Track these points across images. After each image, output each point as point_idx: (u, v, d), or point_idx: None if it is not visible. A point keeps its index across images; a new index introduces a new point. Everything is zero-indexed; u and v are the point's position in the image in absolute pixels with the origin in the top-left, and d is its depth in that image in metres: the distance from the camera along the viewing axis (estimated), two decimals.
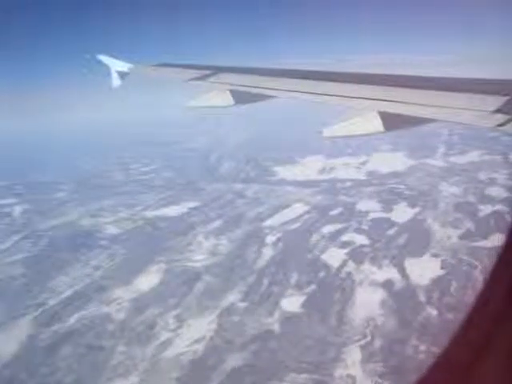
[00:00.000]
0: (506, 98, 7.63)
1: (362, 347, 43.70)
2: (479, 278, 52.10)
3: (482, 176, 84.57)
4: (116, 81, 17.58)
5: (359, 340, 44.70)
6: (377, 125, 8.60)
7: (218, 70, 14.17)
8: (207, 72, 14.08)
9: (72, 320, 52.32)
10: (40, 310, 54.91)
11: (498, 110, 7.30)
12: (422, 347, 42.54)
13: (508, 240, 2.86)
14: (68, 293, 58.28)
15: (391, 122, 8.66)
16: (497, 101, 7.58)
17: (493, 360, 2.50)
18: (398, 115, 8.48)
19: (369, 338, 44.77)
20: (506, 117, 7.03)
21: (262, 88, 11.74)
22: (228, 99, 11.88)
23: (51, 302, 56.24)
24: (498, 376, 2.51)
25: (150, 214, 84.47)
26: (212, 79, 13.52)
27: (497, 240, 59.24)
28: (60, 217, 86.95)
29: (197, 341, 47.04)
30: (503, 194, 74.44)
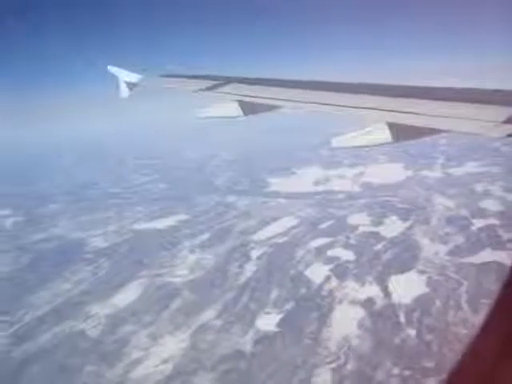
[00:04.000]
0: None
1: (334, 370, 42.16)
2: (463, 296, 50.54)
3: (479, 188, 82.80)
4: (124, 91, 17.27)
5: (331, 362, 43.17)
6: (385, 136, 8.53)
7: (227, 80, 13.97)
8: (215, 82, 13.91)
9: (45, 337, 51.38)
10: (16, 326, 53.90)
11: (508, 120, 7.23)
12: (395, 371, 40.97)
13: None
14: (46, 309, 57.31)
15: (400, 132, 8.56)
16: (506, 111, 7.49)
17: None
18: (407, 126, 8.39)
19: (342, 361, 43.20)
20: None
21: (271, 99, 11.59)
22: (237, 110, 11.75)
23: (27, 319, 55.26)
24: None
25: (138, 226, 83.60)
26: (221, 89, 13.32)
27: (486, 255, 57.72)
28: (49, 229, 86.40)
29: (166, 360, 45.81)
30: (497, 207, 72.72)
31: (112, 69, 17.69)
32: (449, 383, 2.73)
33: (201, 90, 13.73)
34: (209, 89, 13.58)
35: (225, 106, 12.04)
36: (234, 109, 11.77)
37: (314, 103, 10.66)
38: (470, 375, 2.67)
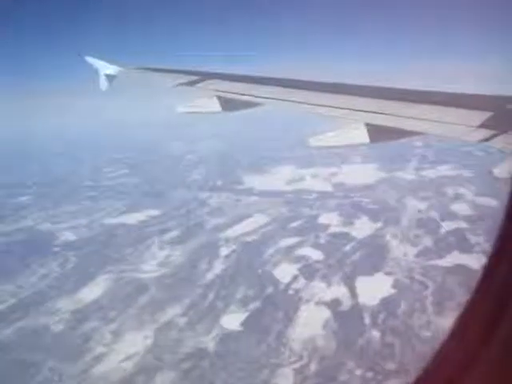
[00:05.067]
0: (490, 114, 7.78)
1: (297, 370, 41.98)
2: (429, 298, 50.76)
3: (450, 191, 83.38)
4: (103, 83, 17.21)
5: (295, 362, 43.00)
6: (363, 136, 8.63)
7: (207, 75, 14.07)
8: (195, 77, 13.92)
9: (6, 332, 50.47)
10: None
11: (483, 125, 7.45)
12: (358, 372, 40.96)
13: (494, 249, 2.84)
14: (10, 303, 56.40)
15: (377, 133, 8.68)
16: (481, 116, 7.74)
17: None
18: (384, 127, 8.53)
19: (305, 361, 43.07)
20: (490, 132, 7.21)
21: (250, 95, 11.68)
22: (216, 106, 11.80)
23: None
24: None
25: (109, 221, 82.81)
26: (200, 85, 13.40)
27: (453, 258, 58.07)
28: (19, 221, 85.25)
29: (129, 357, 45.33)
30: (467, 210, 73.25)
31: (91, 60, 17.60)
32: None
33: (181, 84, 13.76)
34: (190, 83, 13.62)
35: (204, 102, 12.10)
36: (213, 104, 11.84)
37: (294, 102, 10.78)
38: (437, 380, 2.71)
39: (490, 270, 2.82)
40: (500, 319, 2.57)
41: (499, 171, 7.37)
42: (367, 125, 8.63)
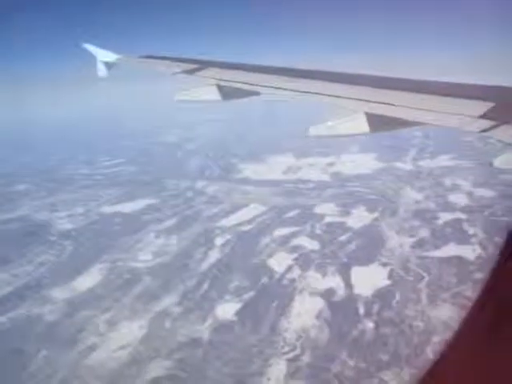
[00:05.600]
0: (491, 104, 7.73)
1: (290, 361, 41.94)
2: (424, 290, 50.65)
3: (448, 182, 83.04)
4: (102, 71, 16.92)
5: (288, 353, 42.94)
6: (363, 126, 8.52)
7: (207, 64, 13.88)
8: (195, 66, 13.78)
9: (1, 320, 50.54)
10: None
11: (483, 116, 7.40)
12: (351, 363, 40.91)
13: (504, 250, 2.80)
14: (5, 291, 56.45)
15: (377, 123, 8.57)
16: (482, 106, 7.67)
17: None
18: (385, 117, 8.43)
19: (298, 351, 43.03)
20: (491, 123, 7.15)
21: (250, 84, 11.52)
22: (215, 94, 11.63)
23: None
24: None
25: (105, 209, 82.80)
26: (200, 73, 13.24)
27: (449, 250, 57.96)
28: (16, 210, 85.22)
29: (122, 347, 45.30)
30: (465, 201, 73.08)
31: (89, 47, 17.25)
32: (430, 376, 2.73)
33: (180, 72, 13.64)
34: (188, 72, 13.47)
35: (204, 90, 11.93)
36: (212, 93, 11.68)
37: (293, 91, 10.63)
38: (440, 381, 2.70)
39: (496, 271, 2.78)
40: (505, 321, 2.56)
41: (499, 162, 7.29)
42: (367, 114, 8.56)
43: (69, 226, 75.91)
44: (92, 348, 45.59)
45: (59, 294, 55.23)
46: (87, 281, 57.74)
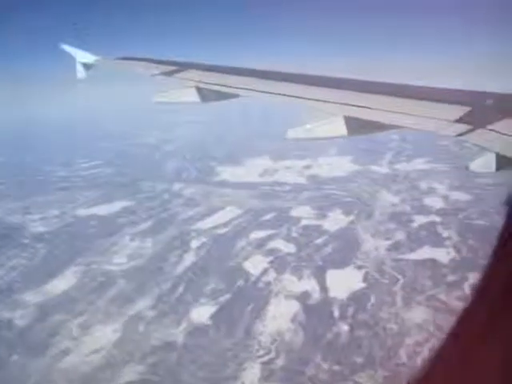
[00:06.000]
0: (467, 109, 7.84)
1: (264, 364, 41.86)
2: (398, 292, 50.88)
3: (423, 185, 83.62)
4: (80, 73, 16.72)
5: (262, 356, 42.85)
6: (341, 129, 8.58)
7: (186, 66, 13.78)
8: (174, 68, 13.65)
9: None
10: None
11: (460, 120, 7.50)
12: (325, 366, 40.94)
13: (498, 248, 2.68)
14: None
15: (355, 126, 8.65)
16: (459, 110, 7.78)
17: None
18: (362, 120, 8.53)
19: (273, 355, 42.95)
20: (467, 127, 7.25)
21: (229, 86, 11.53)
22: (194, 96, 11.66)
23: None
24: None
25: (81, 212, 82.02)
26: (179, 75, 13.14)
27: (424, 253, 58.34)
28: None
29: (96, 351, 44.82)
30: (440, 204, 73.66)
31: (68, 48, 17.06)
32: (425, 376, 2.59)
33: (159, 74, 13.57)
34: (167, 73, 13.42)
35: (182, 92, 11.95)
36: (191, 95, 11.70)
37: (272, 94, 10.66)
38: (434, 380, 2.58)
39: (490, 270, 2.66)
40: (500, 319, 2.47)
41: (475, 166, 7.58)
42: (345, 117, 8.60)
43: (42, 229, 75.04)
44: (65, 352, 45.06)
45: (32, 297, 54.52)
46: (61, 284, 57.10)
